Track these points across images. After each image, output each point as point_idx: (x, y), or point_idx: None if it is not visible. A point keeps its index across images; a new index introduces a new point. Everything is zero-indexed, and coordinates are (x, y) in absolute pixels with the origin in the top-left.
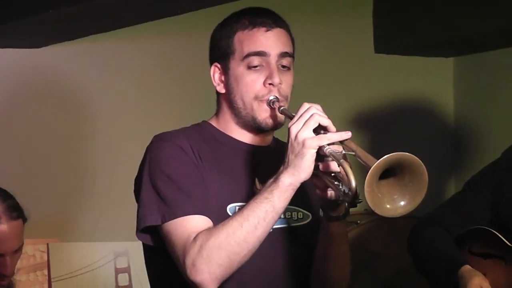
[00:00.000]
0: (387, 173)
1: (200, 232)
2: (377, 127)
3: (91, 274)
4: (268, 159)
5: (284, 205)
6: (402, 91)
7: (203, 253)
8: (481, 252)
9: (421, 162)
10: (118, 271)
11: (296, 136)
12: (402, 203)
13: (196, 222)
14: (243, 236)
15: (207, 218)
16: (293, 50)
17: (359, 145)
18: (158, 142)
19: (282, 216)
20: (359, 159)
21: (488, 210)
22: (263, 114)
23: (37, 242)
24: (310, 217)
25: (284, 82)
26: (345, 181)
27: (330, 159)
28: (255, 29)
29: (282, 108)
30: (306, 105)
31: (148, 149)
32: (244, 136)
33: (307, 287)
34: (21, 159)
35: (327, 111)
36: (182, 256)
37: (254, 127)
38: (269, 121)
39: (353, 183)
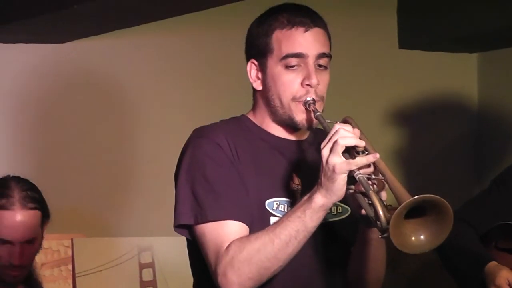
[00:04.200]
0: (412, 209)
1: (233, 242)
2: (401, 123)
3: (115, 269)
4: (305, 153)
5: (316, 224)
6: (426, 87)
7: (234, 265)
8: (508, 248)
9: (449, 206)
10: (142, 266)
11: (327, 161)
12: (423, 242)
13: (229, 229)
14: (274, 252)
15: (240, 223)
16: (330, 49)
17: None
18: (196, 139)
19: None
20: (387, 184)
21: None
22: (300, 115)
23: (62, 237)
24: (349, 211)
25: (321, 82)
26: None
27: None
28: (293, 29)
29: (317, 114)
30: (336, 127)
31: (187, 145)
32: (281, 132)
33: (343, 286)
34: (45, 152)
35: (350, 107)
36: (214, 264)
37: (290, 125)
38: (305, 123)
39: (381, 219)
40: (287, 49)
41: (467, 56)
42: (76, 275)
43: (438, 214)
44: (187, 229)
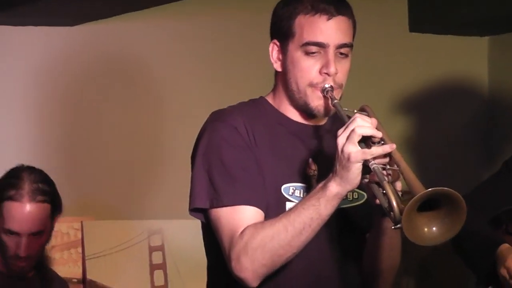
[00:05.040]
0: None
1: (248, 228)
2: (411, 107)
3: (124, 252)
4: (323, 139)
5: (330, 212)
6: (437, 70)
7: (248, 251)
8: None
9: (462, 199)
10: (152, 249)
11: (342, 150)
12: (436, 234)
13: (244, 214)
14: (287, 240)
15: (255, 208)
16: (354, 36)
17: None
18: (213, 123)
19: None
20: (401, 175)
21: None
22: (316, 101)
23: (71, 220)
24: (365, 197)
25: (340, 71)
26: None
27: None
28: (316, 16)
29: (334, 102)
30: (354, 116)
31: (204, 128)
32: (298, 117)
33: (358, 273)
34: (56, 136)
35: (360, 91)
36: (228, 249)
37: (306, 111)
38: (321, 109)
39: (395, 210)
40: (308, 36)
41: (478, 39)
42: (86, 258)
43: (451, 207)
44: (202, 213)
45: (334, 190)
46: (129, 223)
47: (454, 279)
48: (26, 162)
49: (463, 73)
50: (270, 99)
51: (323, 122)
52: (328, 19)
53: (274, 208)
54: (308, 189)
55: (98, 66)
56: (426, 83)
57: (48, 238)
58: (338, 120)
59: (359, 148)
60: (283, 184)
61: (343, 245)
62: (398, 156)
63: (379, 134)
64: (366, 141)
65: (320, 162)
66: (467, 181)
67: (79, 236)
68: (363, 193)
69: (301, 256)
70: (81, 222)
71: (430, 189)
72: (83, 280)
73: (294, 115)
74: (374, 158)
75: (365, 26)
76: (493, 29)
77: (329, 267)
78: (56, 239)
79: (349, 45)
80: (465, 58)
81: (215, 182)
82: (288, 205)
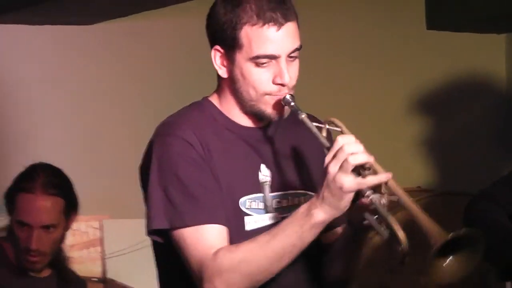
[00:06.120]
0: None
1: (221, 250)
2: (429, 104)
3: (143, 251)
4: (270, 141)
5: (313, 238)
6: (454, 68)
7: (222, 274)
8: None
9: (482, 235)
10: None
11: (334, 179)
12: (459, 269)
13: (210, 233)
14: (267, 265)
15: (220, 226)
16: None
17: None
18: (163, 137)
19: (287, 204)
20: (402, 206)
21: None
22: (271, 108)
23: (90, 219)
24: (307, 195)
25: (292, 74)
26: (391, 230)
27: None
28: (264, 27)
29: (302, 117)
30: (340, 142)
31: (154, 142)
32: (246, 121)
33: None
34: (74, 135)
35: (378, 89)
36: (198, 271)
37: (258, 116)
38: (277, 114)
39: (404, 245)
40: (258, 49)
41: (495, 37)
42: (105, 257)
43: (469, 242)
44: (160, 234)
45: (321, 217)
46: None
47: (474, 274)
48: (45, 161)
49: (480, 70)
50: (215, 101)
51: (269, 124)
52: (277, 29)
53: (232, 223)
54: (264, 198)
55: (116, 64)
56: (443, 81)
57: (61, 235)
58: (287, 119)
59: (353, 178)
60: (240, 198)
61: (306, 256)
62: (393, 184)
63: (371, 159)
64: (356, 168)
65: (272, 167)
66: (485, 177)
67: (99, 235)
68: (303, 192)
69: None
70: (101, 220)
71: (450, 236)
72: (103, 279)
73: (242, 119)
74: (369, 187)
75: (382, 24)
76: (510, 27)
77: (295, 279)
78: (75, 238)
79: (299, 48)
80: (482, 55)
81: (174, 202)
82: (247, 219)
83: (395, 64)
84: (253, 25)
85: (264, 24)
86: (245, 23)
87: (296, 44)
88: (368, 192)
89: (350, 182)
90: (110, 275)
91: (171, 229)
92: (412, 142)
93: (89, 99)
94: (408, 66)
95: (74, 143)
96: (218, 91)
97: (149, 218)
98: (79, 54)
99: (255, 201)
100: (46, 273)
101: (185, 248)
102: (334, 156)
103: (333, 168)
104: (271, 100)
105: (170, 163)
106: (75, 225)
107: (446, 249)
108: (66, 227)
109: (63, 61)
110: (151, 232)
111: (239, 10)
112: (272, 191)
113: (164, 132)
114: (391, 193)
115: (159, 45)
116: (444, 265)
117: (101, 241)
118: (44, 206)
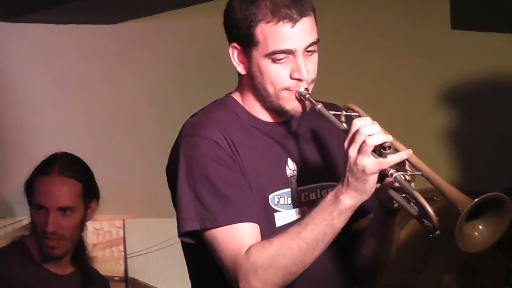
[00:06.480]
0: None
1: (253, 247)
2: (454, 104)
3: (166, 250)
4: (295, 136)
5: (343, 224)
6: (479, 68)
7: (258, 271)
8: None
9: (507, 199)
10: None
11: (355, 162)
12: (486, 237)
13: (242, 232)
14: (300, 257)
15: (252, 224)
16: (317, 24)
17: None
18: (190, 138)
19: (315, 197)
20: (427, 179)
21: None
22: (291, 104)
23: (113, 218)
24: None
25: (310, 68)
26: (419, 206)
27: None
28: (279, 24)
29: (319, 107)
30: (356, 124)
31: (181, 143)
32: (268, 117)
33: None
34: (98, 133)
35: (403, 88)
36: (232, 270)
37: (279, 112)
38: (298, 110)
39: (433, 220)
40: (274, 46)
41: None
42: (128, 256)
43: (495, 208)
44: (192, 235)
45: (348, 203)
46: (170, 221)
47: (497, 275)
48: None
49: (506, 70)
50: (238, 98)
51: (291, 118)
52: (292, 26)
53: (263, 220)
54: (292, 193)
55: (141, 63)
56: (468, 81)
57: (80, 221)
58: (310, 114)
59: (374, 159)
60: (269, 194)
61: (336, 245)
62: (415, 160)
63: (389, 138)
64: (377, 148)
65: (298, 161)
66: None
67: (121, 234)
68: (331, 184)
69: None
70: (123, 220)
71: (476, 200)
72: (125, 278)
73: (265, 115)
74: (392, 166)
75: (407, 24)
76: None
77: (326, 269)
78: (98, 237)
79: (316, 42)
80: (507, 55)
81: (205, 202)
82: (276, 215)
83: (419, 64)
84: (268, 22)
85: (279, 21)
86: (260, 21)
87: (313, 38)
88: (391, 171)
89: (371, 163)
90: (132, 274)
91: (203, 230)
92: (437, 141)
93: (115, 96)
94: (433, 66)
95: (98, 142)
96: (240, 88)
97: (179, 220)
98: (103, 53)
99: (283, 197)
100: (69, 270)
101: (218, 248)
102: (352, 140)
103: (352, 152)
104: (289, 96)
105: (199, 164)
106: (98, 225)
107: (473, 217)
108: (86, 215)
109: (87, 60)
110: (182, 234)
111: (254, 8)
112: (299, 185)
113: (191, 133)
114: (404, 167)
115: (180, 45)
116: (472, 232)
117: (123, 240)
118: (60, 188)
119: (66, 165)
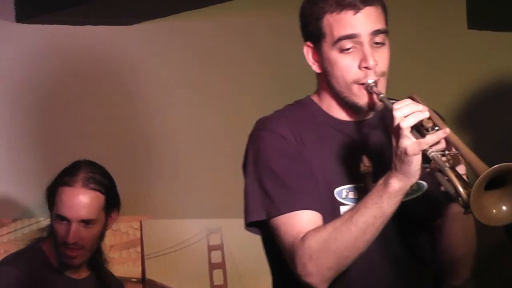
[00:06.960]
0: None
1: (309, 232)
2: (469, 104)
3: (184, 251)
4: (372, 133)
5: (394, 209)
6: (495, 68)
7: (312, 256)
8: None
9: None
10: (211, 248)
11: (398, 146)
12: (506, 213)
13: (303, 219)
14: (352, 240)
15: (314, 212)
16: (387, 23)
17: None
18: (259, 132)
19: None
20: (462, 157)
21: None
22: (364, 99)
23: (130, 219)
24: (425, 187)
25: (380, 60)
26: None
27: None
28: (342, 12)
29: (381, 96)
30: (394, 108)
31: (251, 138)
32: (344, 115)
33: (425, 270)
34: (113, 134)
35: (418, 88)
36: (290, 255)
37: (354, 108)
38: (371, 105)
39: (462, 195)
40: (338, 32)
41: None
42: (145, 257)
43: None
44: (259, 226)
45: (397, 185)
46: (188, 222)
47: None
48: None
49: None
50: (316, 99)
51: (369, 115)
52: (355, 13)
53: (328, 213)
54: (364, 188)
55: (157, 64)
56: (484, 81)
57: (101, 232)
58: (386, 110)
59: (414, 139)
60: (335, 188)
61: (403, 239)
62: (455, 139)
63: (425, 115)
64: (418, 128)
65: (374, 157)
66: None
67: (138, 235)
68: (423, 182)
69: (363, 256)
70: (140, 221)
71: (493, 167)
72: (143, 280)
73: (340, 113)
74: (431, 146)
75: (423, 23)
76: None
77: (390, 264)
78: (115, 238)
79: (383, 31)
80: None
81: (269, 192)
82: (342, 209)
83: (435, 64)
84: (332, 12)
85: (342, 10)
86: (325, 12)
87: (377, 26)
88: (429, 150)
89: (411, 145)
90: (149, 275)
91: (268, 219)
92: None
93: (131, 97)
94: (449, 66)
95: (115, 143)
96: (318, 88)
97: (246, 211)
98: (120, 54)
99: (352, 191)
100: (84, 274)
101: (279, 236)
102: (392, 125)
103: (395, 136)
104: (360, 92)
105: (263, 155)
106: (115, 226)
107: (495, 194)
108: (107, 225)
109: (101, 61)
110: (249, 224)
111: (321, 2)
112: (374, 182)
113: (259, 127)
114: (451, 147)
115: (199, 45)
116: (492, 203)
117: (141, 242)
118: (83, 200)
119: (90, 176)
